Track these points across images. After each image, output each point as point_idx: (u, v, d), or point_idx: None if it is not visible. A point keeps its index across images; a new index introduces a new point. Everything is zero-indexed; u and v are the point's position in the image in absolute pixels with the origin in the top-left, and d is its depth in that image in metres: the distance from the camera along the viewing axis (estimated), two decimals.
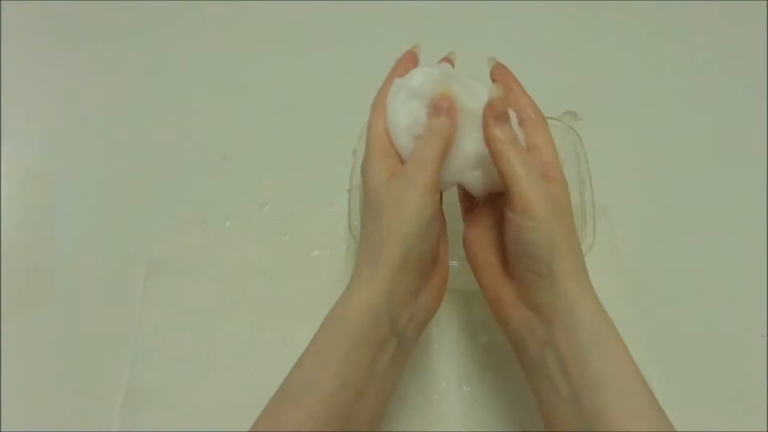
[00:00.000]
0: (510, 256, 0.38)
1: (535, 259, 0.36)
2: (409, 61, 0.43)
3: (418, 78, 0.40)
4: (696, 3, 0.70)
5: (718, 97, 0.64)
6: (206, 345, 0.50)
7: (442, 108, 0.38)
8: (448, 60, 0.44)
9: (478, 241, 0.41)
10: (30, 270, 0.54)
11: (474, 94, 0.39)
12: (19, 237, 0.56)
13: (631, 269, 0.52)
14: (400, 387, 0.48)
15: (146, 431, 0.47)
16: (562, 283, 0.36)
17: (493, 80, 0.43)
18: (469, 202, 0.44)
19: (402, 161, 0.40)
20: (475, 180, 0.40)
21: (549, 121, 0.41)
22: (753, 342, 0.50)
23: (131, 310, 0.51)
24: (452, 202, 0.45)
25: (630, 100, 0.64)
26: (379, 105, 0.41)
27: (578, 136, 0.52)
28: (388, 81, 0.42)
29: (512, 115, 0.40)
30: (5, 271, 0.53)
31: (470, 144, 0.39)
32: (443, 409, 0.47)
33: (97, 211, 0.57)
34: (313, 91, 0.63)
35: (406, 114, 0.39)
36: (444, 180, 0.40)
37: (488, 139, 0.37)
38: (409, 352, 0.40)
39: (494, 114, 0.37)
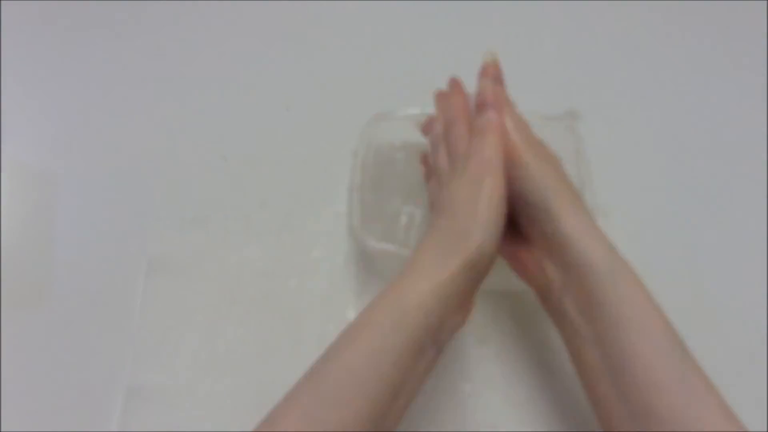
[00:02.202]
0: (516, 217, 0.39)
1: (532, 205, 0.37)
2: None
3: None
4: (696, 3, 0.70)
5: (718, 97, 0.64)
6: (206, 345, 0.50)
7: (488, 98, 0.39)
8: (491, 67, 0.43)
9: None
10: (30, 270, 0.54)
11: None
12: (19, 237, 0.56)
13: None
14: None
15: (146, 431, 0.47)
16: (564, 224, 0.36)
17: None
18: None
19: None
20: None
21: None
22: (753, 342, 0.50)
23: (131, 310, 0.51)
24: None
25: (630, 99, 0.64)
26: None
27: (578, 135, 0.52)
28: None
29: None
30: (5, 271, 0.53)
31: None
32: (444, 409, 0.47)
33: (97, 211, 0.57)
34: (313, 91, 0.63)
35: None
36: None
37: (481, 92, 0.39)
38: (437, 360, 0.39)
39: (487, 74, 0.40)
